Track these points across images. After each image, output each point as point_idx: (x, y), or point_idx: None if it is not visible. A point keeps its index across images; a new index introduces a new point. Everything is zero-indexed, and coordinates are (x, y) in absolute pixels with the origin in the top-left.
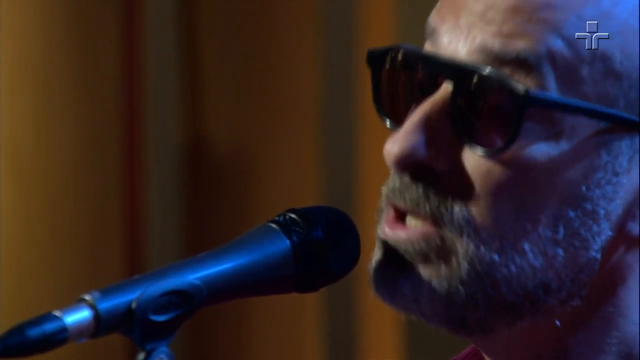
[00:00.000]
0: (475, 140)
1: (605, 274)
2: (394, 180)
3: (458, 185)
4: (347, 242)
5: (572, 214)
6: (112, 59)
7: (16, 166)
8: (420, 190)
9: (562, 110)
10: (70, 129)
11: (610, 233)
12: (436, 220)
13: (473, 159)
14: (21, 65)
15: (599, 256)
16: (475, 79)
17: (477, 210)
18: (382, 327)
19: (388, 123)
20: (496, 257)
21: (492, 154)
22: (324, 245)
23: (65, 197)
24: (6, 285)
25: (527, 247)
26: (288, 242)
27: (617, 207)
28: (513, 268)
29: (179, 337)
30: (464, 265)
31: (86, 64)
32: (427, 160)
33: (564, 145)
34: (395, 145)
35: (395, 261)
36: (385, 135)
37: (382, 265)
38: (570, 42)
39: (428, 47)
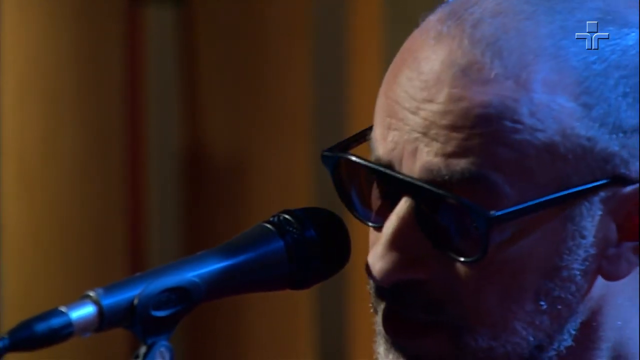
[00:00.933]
0: (448, 249)
1: (588, 307)
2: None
3: (443, 290)
4: (338, 242)
5: (551, 284)
6: (116, 69)
7: (23, 170)
8: (409, 299)
9: (524, 215)
10: (75, 135)
11: (587, 285)
12: (431, 324)
13: (452, 264)
14: (28, 74)
15: (580, 306)
16: (436, 201)
17: (466, 308)
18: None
19: (359, 216)
20: (493, 343)
21: (468, 262)
22: (316, 245)
23: (71, 200)
24: (15, 284)
25: (517, 325)
26: (282, 241)
27: (591, 262)
28: (509, 347)
29: (179, 331)
30: (467, 358)
31: (91, 74)
32: (408, 275)
33: (531, 234)
34: (375, 265)
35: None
36: None
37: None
38: (512, 145)
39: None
